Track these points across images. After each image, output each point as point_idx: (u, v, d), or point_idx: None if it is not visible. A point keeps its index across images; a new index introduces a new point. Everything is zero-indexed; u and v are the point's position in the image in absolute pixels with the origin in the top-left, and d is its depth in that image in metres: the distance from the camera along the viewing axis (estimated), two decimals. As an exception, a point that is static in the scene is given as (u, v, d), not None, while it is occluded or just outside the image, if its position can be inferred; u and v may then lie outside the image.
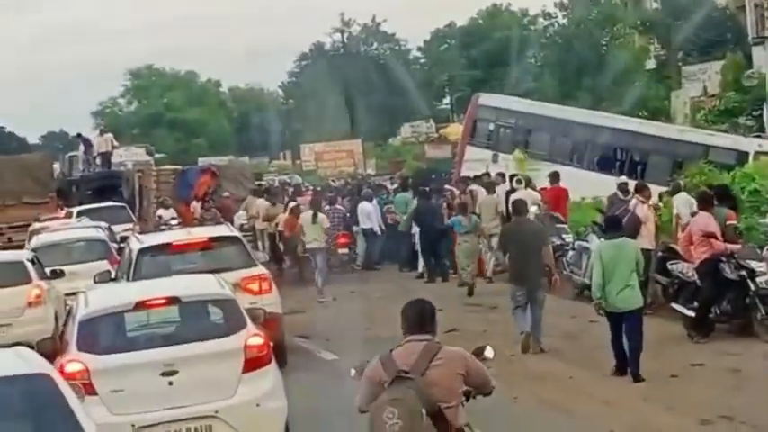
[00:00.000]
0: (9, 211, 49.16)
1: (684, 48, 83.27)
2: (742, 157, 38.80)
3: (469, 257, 32.58)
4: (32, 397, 10.24)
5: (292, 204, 40.15)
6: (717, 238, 21.91)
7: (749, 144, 42.80)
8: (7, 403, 10.18)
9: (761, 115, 64.15)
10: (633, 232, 24.61)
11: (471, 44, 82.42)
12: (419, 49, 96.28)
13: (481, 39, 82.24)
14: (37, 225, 40.91)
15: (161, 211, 46.51)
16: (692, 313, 22.33)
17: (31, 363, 10.78)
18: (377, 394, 10.72)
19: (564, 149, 43.29)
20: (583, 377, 20.33)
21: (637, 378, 19.24)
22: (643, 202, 27.11)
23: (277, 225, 39.84)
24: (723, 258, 22.04)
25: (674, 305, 23.25)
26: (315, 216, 35.00)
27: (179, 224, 40.03)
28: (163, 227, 40.26)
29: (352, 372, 11.55)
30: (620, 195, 29.30)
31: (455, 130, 63.60)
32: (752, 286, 21.63)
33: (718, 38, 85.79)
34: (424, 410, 10.38)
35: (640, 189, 28.35)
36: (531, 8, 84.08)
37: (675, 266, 23.45)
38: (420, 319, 11.32)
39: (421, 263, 36.98)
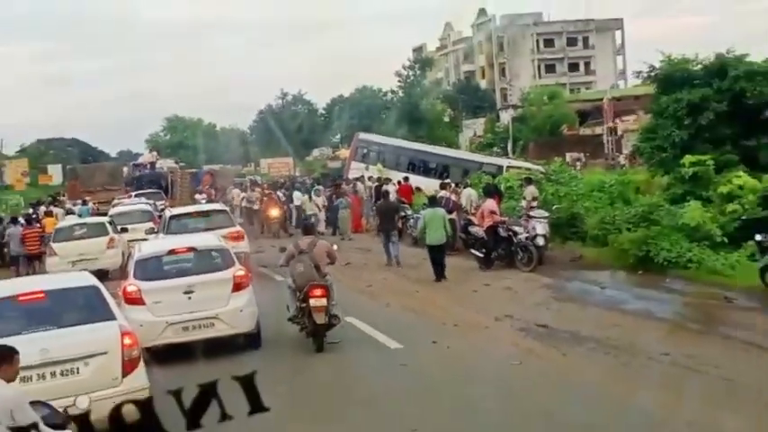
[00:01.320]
0: (99, 194, 49.14)
1: (464, 109, 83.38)
2: (500, 169, 38.22)
3: (345, 222, 32.59)
4: (87, 298, 10.69)
5: (268, 191, 39.79)
6: (496, 214, 21.97)
7: (503, 161, 42.68)
8: (74, 301, 10.72)
9: (505, 147, 64.63)
10: (452, 210, 25.58)
11: (353, 105, 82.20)
12: (324, 108, 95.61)
13: (357, 103, 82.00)
14: (115, 202, 41.10)
15: (197, 196, 46.43)
16: (481, 255, 21.97)
17: (89, 280, 11.31)
18: (291, 259, 14.60)
19: (404, 164, 42.44)
20: (423, 291, 19.31)
21: (439, 279, 20.54)
22: (455, 193, 27.75)
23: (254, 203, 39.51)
24: (499, 225, 21.69)
25: (472, 251, 22.64)
26: (310, 198, 35.50)
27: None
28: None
29: (279, 251, 16.22)
30: (440, 189, 29.00)
31: (344, 152, 62.98)
32: (515, 240, 21.54)
33: (482, 104, 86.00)
34: (312, 264, 14.25)
35: (445, 186, 29.14)
36: (384, 86, 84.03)
37: (473, 229, 23.00)
38: (309, 229, 16.74)
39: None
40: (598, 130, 69.39)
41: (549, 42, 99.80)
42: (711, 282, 17.64)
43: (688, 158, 24.25)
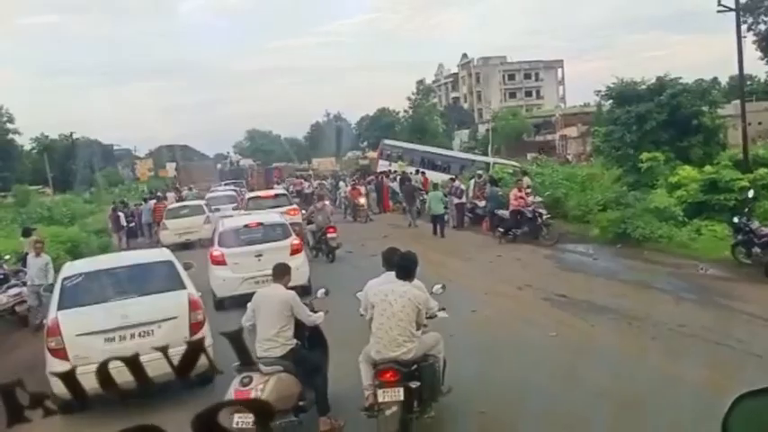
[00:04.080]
0: (200, 183, 45.84)
1: (453, 124, 79.69)
2: (488, 165, 34.51)
3: (372, 201, 30.30)
4: (163, 270, 9.01)
5: (354, 184, 33.51)
6: (524, 200, 18.62)
7: (490, 159, 39.10)
8: (152, 274, 9.01)
9: (485, 150, 60.17)
10: (460, 195, 22.97)
11: (375, 121, 78.54)
12: (356, 123, 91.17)
13: (377, 119, 78.32)
14: (211, 189, 38.49)
15: (275, 186, 40.77)
16: (510, 234, 18.37)
17: (165, 255, 9.62)
18: (312, 213, 17.15)
19: (417, 161, 38.04)
20: (450, 262, 15.67)
21: (436, 234, 20.71)
22: (461, 184, 24.10)
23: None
24: (524, 208, 18.38)
25: (499, 229, 18.88)
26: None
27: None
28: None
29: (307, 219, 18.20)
30: (450, 182, 24.95)
31: (371, 154, 59.75)
32: (539, 220, 17.93)
33: (465, 120, 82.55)
34: (326, 216, 17.04)
35: (454, 179, 25.10)
36: (397, 107, 79.62)
37: (500, 212, 19.25)
38: (321, 197, 18.67)
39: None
40: (548, 137, 66.57)
41: (511, 77, 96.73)
42: (682, 254, 14.69)
43: (645, 155, 21.25)
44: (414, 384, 5.93)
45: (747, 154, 21.61)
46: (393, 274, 6.38)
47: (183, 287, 8.69)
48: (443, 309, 6.72)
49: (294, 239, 13.80)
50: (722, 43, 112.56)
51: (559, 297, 11.21)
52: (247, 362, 5.43)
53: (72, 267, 9.44)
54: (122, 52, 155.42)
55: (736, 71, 47.14)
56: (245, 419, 4.90)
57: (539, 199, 18.93)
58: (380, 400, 5.85)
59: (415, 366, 6.03)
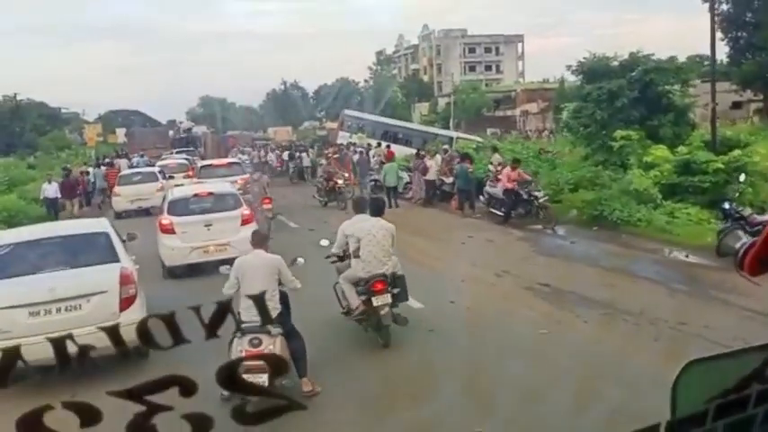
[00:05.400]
0: (150, 151, 43.30)
1: (412, 95, 78.37)
2: (451, 140, 33.52)
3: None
4: (97, 242, 8.58)
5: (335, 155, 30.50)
6: (521, 179, 17.39)
7: (453, 134, 38.12)
8: (85, 245, 8.57)
9: (446, 124, 58.97)
10: (424, 172, 21.95)
11: (333, 91, 76.81)
12: (314, 92, 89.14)
13: (336, 89, 76.62)
14: (163, 156, 37.32)
15: (240, 155, 39.56)
16: (501, 214, 17.19)
17: (101, 225, 9.21)
18: (247, 184, 17.23)
19: (378, 134, 36.90)
20: (418, 242, 14.51)
21: (392, 207, 19.16)
22: (428, 159, 22.69)
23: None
24: (520, 188, 17.06)
25: (491, 209, 17.82)
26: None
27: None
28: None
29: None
30: (416, 158, 24.00)
31: (330, 124, 58.57)
32: (536, 202, 16.76)
33: (425, 92, 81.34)
34: (262, 187, 16.74)
35: (420, 155, 23.82)
36: (357, 78, 78.16)
37: (491, 190, 18.04)
38: (259, 169, 19.23)
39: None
40: (508, 112, 66.00)
41: (471, 50, 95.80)
42: (662, 239, 13.95)
43: (619, 133, 20.48)
44: (396, 290, 7.97)
45: (716, 135, 21.07)
46: (364, 215, 8.31)
47: (117, 260, 8.30)
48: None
49: (245, 209, 13.53)
50: (679, 23, 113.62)
51: (542, 286, 10.30)
52: (268, 323, 5.73)
53: None
54: (71, 10, 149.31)
55: (693, 51, 46.10)
56: (258, 378, 4.84)
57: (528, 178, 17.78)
58: (375, 304, 7.75)
59: (390, 279, 7.93)
